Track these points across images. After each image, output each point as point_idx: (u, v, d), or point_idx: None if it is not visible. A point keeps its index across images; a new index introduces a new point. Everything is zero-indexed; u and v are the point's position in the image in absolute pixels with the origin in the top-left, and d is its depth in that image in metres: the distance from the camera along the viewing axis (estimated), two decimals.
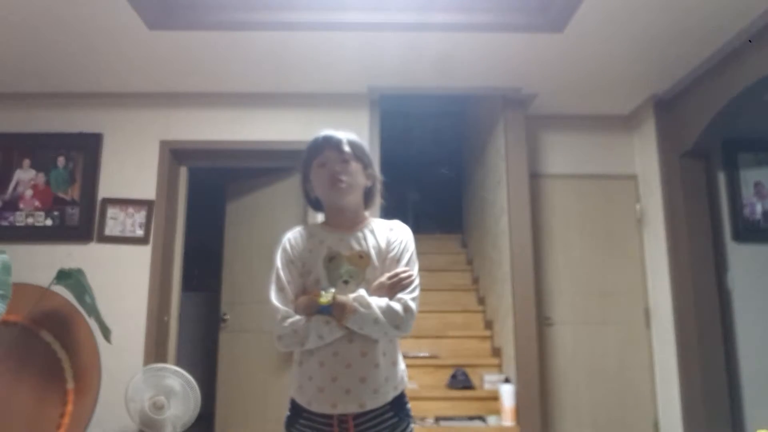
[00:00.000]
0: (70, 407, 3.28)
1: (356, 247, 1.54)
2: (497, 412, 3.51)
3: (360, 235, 1.57)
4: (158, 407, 3.00)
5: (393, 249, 1.55)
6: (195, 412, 3.05)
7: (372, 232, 1.59)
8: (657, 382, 3.81)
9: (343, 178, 1.54)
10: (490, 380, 3.71)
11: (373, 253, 1.54)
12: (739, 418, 3.40)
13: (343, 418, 1.43)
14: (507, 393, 3.45)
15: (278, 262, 1.56)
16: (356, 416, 1.44)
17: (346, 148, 1.58)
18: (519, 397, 3.45)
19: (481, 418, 3.55)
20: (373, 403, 1.45)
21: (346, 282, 1.49)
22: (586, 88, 3.71)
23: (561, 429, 3.78)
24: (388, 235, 1.58)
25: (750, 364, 3.47)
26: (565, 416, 3.80)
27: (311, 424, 1.46)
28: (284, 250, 1.57)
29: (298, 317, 1.45)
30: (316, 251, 1.55)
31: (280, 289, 1.51)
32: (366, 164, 1.61)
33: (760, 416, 3.34)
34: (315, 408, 1.45)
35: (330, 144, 1.59)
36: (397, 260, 1.53)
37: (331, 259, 1.52)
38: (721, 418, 3.35)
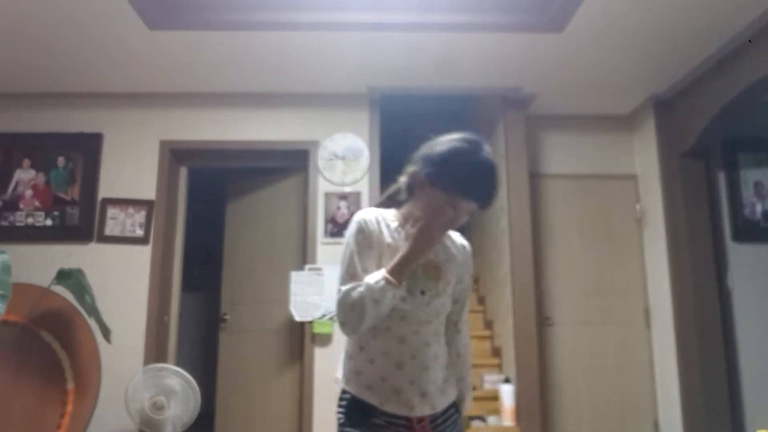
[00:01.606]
0: (70, 407, 3.28)
1: (433, 257, 1.45)
2: (497, 412, 3.51)
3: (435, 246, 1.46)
4: (158, 407, 3.00)
5: (465, 277, 1.54)
6: (195, 412, 3.05)
7: (447, 246, 1.50)
8: (657, 382, 3.80)
9: (455, 228, 1.43)
10: (490, 380, 3.71)
11: (447, 268, 1.47)
12: (739, 418, 3.40)
13: (420, 420, 1.42)
14: (507, 393, 3.45)
15: (353, 244, 1.38)
16: (432, 417, 1.44)
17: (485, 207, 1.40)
18: (519, 397, 3.45)
19: (481, 418, 3.55)
20: (441, 405, 1.46)
21: (422, 293, 1.41)
22: (586, 88, 3.71)
23: (561, 429, 3.78)
24: (465, 257, 1.54)
25: (750, 364, 3.47)
26: (565, 416, 3.80)
27: (387, 423, 1.40)
28: (362, 231, 1.39)
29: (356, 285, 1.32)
30: (394, 248, 1.38)
31: (352, 276, 1.35)
32: None
33: (760, 416, 3.34)
34: (390, 409, 1.40)
35: (480, 199, 1.36)
36: (465, 287, 1.56)
37: None
38: (721, 419, 3.34)
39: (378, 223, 1.42)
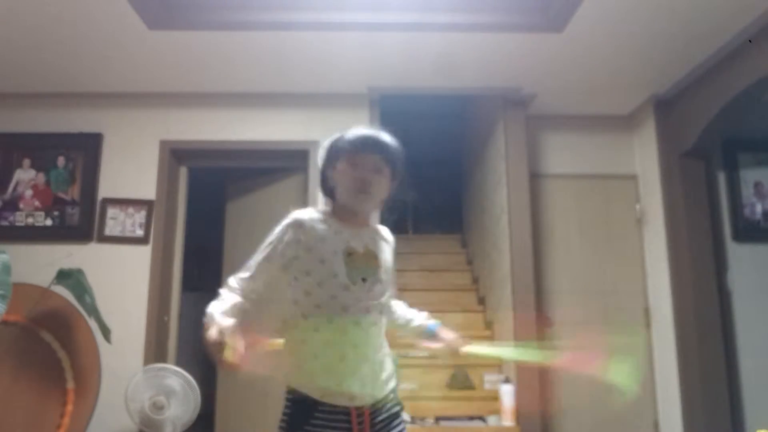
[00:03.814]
0: (70, 407, 3.28)
1: (369, 246, 1.57)
2: (497, 412, 3.51)
3: (368, 235, 1.60)
4: (158, 407, 3.00)
5: (392, 261, 1.66)
6: (195, 412, 3.05)
7: (377, 234, 1.64)
8: (657, 382, 3.80)
9: (371, 189, 1.52)
10: (490, 380, 3.71)
11: (381, 257, 1.59)
12: (739, 418, 3.40)
13: (360, 411, 1.43)
14: (507, 393, 3.44)
15: (283, 234, 1.52)
16: (372, 407, 1.46)
17: (385, 159, 1.55)
18: (519, 397, 3.45)
19: (481, 418, 3.55)
20: (381, 393, 1.49)
21: (364, 280, 1.50)
22: (586, 88, 3.71)
23: (561, 429, 3.77)
24: (391, 243, 1.69)
25: (750, 364, 3.47)
26: (565, 416, 3.79)
27: (328, 417, 1.41)
28: (298, 227, 1.51)
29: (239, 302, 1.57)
30: (330, 242, 1.51)
31: (267, 260, 1.54)
32: (395, 177, 1.59)
33: (760, 416, 3.34)
34: (330, 400, 1.42)
35: (371, 149, 1.54)
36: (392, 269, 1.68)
37: (350, 254, 1.51)
38: (721, 418, 3.34)
39: (313, 221, 1.53)
